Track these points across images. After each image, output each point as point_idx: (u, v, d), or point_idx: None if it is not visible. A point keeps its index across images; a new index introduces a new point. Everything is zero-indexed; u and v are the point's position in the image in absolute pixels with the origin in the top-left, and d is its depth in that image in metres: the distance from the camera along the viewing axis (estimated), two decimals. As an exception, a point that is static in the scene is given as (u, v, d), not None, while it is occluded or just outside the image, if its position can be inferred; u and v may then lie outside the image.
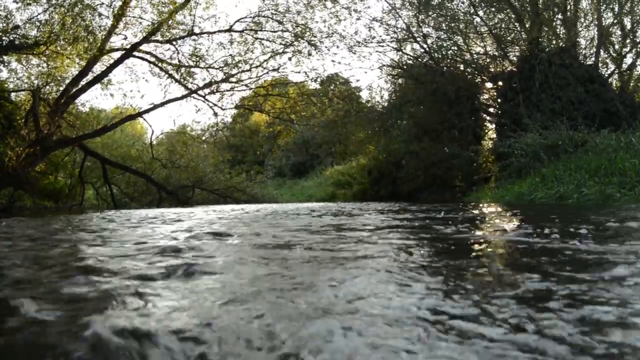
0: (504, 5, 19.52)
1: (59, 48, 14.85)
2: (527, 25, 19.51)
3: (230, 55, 17.70)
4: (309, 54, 18.05)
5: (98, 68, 15.83)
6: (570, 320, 1.19)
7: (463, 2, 20.64)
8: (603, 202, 8.40)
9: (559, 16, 20.06)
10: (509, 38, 19.99)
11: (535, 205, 9.09)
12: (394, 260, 2.20)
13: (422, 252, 2.52)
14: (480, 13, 20.25)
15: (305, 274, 1.91)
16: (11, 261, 2.32)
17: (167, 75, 17.28)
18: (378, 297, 1.46)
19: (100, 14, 14.95)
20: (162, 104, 17.17)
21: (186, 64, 17.27)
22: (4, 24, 13.70)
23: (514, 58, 19.50)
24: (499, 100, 19.66)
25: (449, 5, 20.61)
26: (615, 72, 20.09)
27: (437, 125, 20.27)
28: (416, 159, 20.28)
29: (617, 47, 20.30)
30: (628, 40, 19.80)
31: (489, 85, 21.02)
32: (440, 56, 21.00)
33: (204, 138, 25.54)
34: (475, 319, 1.22)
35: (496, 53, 20.27)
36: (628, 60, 20.10)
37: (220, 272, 1.91)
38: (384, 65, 22.52)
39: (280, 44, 17.85)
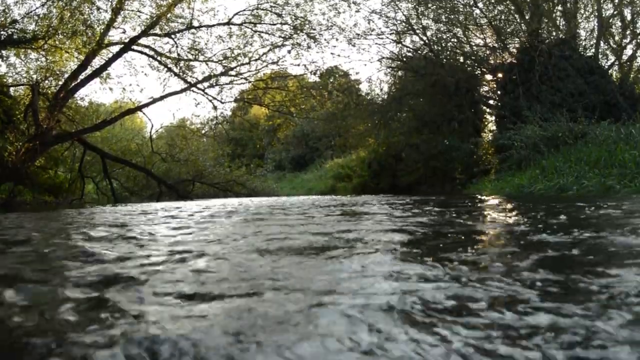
0: (503, -3, 19.45)
1: (57, 42, 14.78)
2: (526, 17, 19.45)
3: (230, 48, 17.65)
4: (308, 47, 17.99)
5: (97, 62, 15.79)
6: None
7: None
8: (603, 193, 8.42)
9: (559, 7, 20.00)
10: (508, 30, 19.92)
11: (534, 197, 9.11)
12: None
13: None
14: (480, 5, 20.18)
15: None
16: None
17: (166, 69, 17.23)
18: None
19: (98, 8, 14.90)
20: (162, 98, 17.13)
21: (185, 58, 17.22)
22: (2, 19, 13.63)
23: (514, 50, 19.45)
24: (498, 92, 19.64)
25: (448, -4, 20.53)
26: (615, 63, 20.07)
27: (436, 118, 20.25)
28: (416, 152, 20.27)
29: (617, 38, 20.27)
30: (628, 32, 19.76)
31: (488, 77, 21.00)
32: (439, 48, 20.93)
33: (203, 131, 25.47)
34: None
35: (496, 45, 20.20)
36: (628, 51, 20.09)
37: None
38: (383, 58, 22.46)
39: (280, 36, 17.79)
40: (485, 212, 5.18)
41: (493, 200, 8.09)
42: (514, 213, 5.04)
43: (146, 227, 3.89)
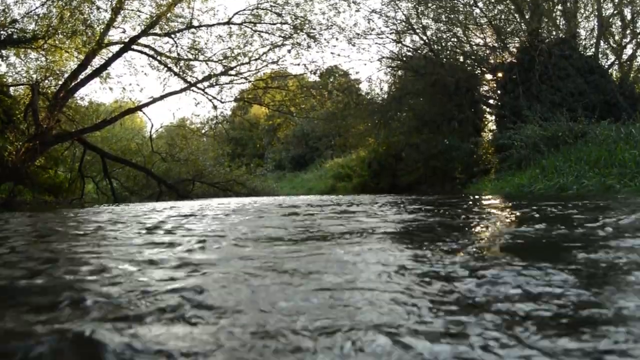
0: (503, -4, 19.44)
1: (57, 42, 14.78)
2: (527, 17, 19.44)
3: (229, 48, 17.66)
4: (308, 46, 17.99)
5: (97, 62, 15.79)
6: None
7: (462, -7, 20.56)
8: (603, 193, 8.42)
9: (559, 7, 19.98)
10: (508, 29, 19.90)
11: (533, 197, 9.11)
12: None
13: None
14: (480, 4, 20.16)
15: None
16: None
17: (166, 69, 17.23)
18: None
19: (98, 7, 14.90)
20: (162, 97, 17.14)
21: (185, 57, 17.22)
22: (2, 18, 13.63)
23: (514, 49, 19.44)
24: (498, 91, 19.62)
25: (448, -4, 20.52)
26: (615, 63, 20.05)
27: (436, 117, 20.24)
28: (416, 151, 20.26)
29: (617, 38, 20.25)
30: (628, 31, 19.75)
31: (488, 76, 20.98)
32: (439, 48, 20.92)
33: (203, 131, 25.45)
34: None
35: (496, 44, 20.19)
36: (628, 51, 20.08)
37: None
38: (383, 57, 22.44)
39: (280, 36, 17.80)
40: (474, 210, 5.27)
41: (487, 200, 8.10)
42: (500, 211, 5.28)
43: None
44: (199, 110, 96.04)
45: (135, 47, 16.11)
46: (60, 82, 15.25)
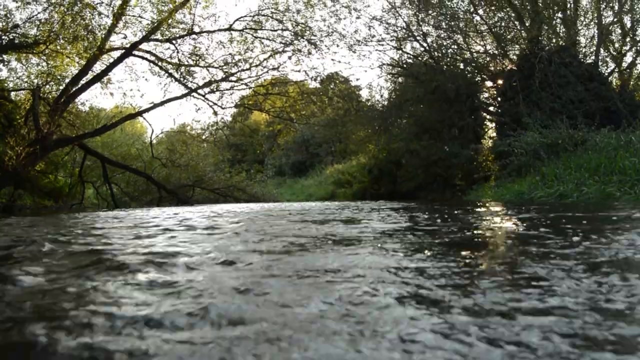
0: (503, 4, 19.51)
1: (58, 47, 14.82)
2: (527, 24, 19.49)
3: (230, 54, 17.70)
4: (309, 53, 18.05)
5: (98, 67, 15.79)
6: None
7: (463, 1, 20.66)
8: (603, 201, 8.40)
9: (559, 15, 20.05)
10: (508, 37, 19.96)
11: (533, 204, 9.09)
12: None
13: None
14: (480, 12, 20.24)
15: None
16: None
17: (166, 74, 17.26)
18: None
19: (99, 13, 14.94)
20: (162, 103, 17.15)
21: (186, 63, 17.26)
22: (4, 23, 13.68)
23: (514, 57, 19.50)
24: (498, 98, 19.66)
25: (448, 3, 20.60)
26: (615, 70, 20.09)
27: (437, 124, 20.23)
28: (416, 158, 20.24)
29: (617, 45, 20.30)
30: (628, 39, 19.80)
31: (489, 83, 21.03)
32: (440, 55, 20.97)
33: (204, 137, 25.47)
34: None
35: (496, 52, 20.25)
36: (628, 58, 20.14)
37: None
38: (383, 64, 22.52)
39: (280, 42, 17.86)
40: (462, 216, 5.35)
41: (480, 207, 8.08)
42: (488, 215, 5.44)
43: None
44: (200, 116, 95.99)
45: (136, 52, 16.14)
46: (61, 87, 15.27)
